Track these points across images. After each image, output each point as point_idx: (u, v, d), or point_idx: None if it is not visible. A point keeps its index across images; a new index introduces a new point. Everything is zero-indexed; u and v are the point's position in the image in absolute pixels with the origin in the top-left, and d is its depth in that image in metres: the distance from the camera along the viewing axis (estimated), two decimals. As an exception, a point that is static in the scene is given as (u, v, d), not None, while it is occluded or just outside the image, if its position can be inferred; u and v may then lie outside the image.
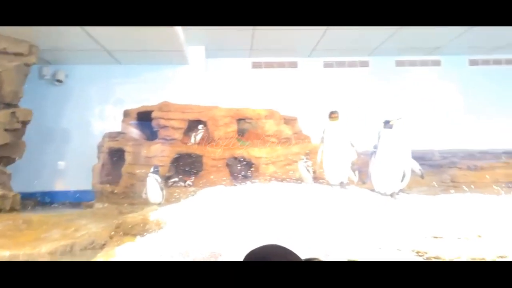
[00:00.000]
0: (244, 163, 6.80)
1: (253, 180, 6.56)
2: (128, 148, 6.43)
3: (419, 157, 7.87)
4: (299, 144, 7.36)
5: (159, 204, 4.88)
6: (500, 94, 8.82)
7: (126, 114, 7.43)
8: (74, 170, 7.90)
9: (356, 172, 4.99)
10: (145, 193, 5.19)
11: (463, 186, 5.55)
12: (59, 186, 8.06)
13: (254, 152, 6.67)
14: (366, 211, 3.37)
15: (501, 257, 2.29)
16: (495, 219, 3.16)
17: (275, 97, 9.12)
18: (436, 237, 2.61)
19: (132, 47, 7.29)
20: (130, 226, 3.53)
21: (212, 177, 6.57)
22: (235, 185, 5.79)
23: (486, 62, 9.04)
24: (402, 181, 4.28)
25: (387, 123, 4.19)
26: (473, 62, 9.06)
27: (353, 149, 4.59)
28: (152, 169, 5.27)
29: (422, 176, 4.54)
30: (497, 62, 9.05)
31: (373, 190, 4.42)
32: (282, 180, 6.47)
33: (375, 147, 4.27)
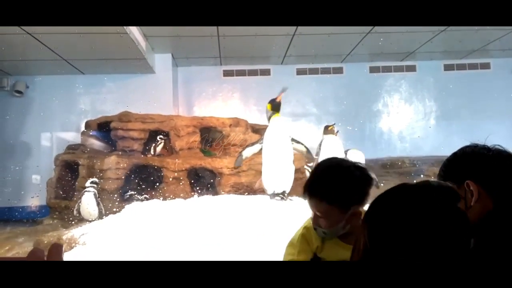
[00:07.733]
0: (207, 174, 6.52)
1: (217, 192, 6.28)
2: (82, 161, 6.14)
3: (389, 165, 7.72)
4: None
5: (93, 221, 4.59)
6: (474, 98, 8.61)
7: (87, 125, 7.17)
8: (36, 185, 7.60)
9: None
10: (76, 209, 4.88)
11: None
12: (22, 201, 7.75)
13: (215, 162, 6.40)
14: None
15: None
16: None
17: (247, 105, 8.91)
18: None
19: (91, 56, 7.04)
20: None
21: (176, 190, 6.29)
22: (193, 197, 5.52)
23: (461, 67, 8.83)
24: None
25: (326, 129, 3.91)
26: (448, 67, 8.85)
27: (299, 145, 4.13)
28: (88, 183, 4.96)
29: (377, 186, 4.24)
30: (473, 66, 8.84)
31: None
32: (244, 192, 6.20)
33: (317, 154, 3.97)
